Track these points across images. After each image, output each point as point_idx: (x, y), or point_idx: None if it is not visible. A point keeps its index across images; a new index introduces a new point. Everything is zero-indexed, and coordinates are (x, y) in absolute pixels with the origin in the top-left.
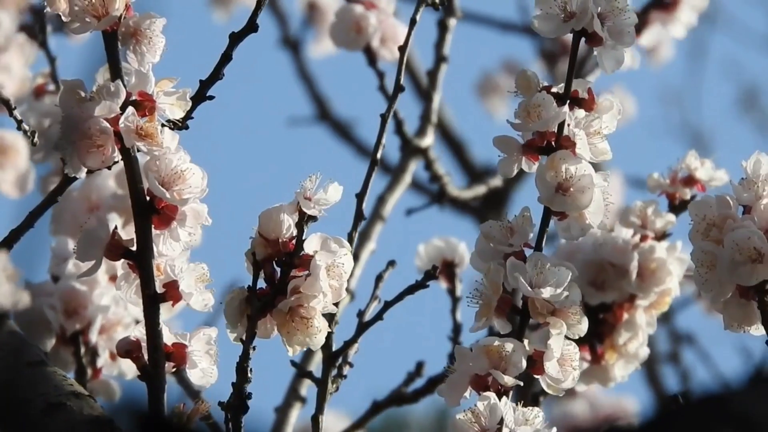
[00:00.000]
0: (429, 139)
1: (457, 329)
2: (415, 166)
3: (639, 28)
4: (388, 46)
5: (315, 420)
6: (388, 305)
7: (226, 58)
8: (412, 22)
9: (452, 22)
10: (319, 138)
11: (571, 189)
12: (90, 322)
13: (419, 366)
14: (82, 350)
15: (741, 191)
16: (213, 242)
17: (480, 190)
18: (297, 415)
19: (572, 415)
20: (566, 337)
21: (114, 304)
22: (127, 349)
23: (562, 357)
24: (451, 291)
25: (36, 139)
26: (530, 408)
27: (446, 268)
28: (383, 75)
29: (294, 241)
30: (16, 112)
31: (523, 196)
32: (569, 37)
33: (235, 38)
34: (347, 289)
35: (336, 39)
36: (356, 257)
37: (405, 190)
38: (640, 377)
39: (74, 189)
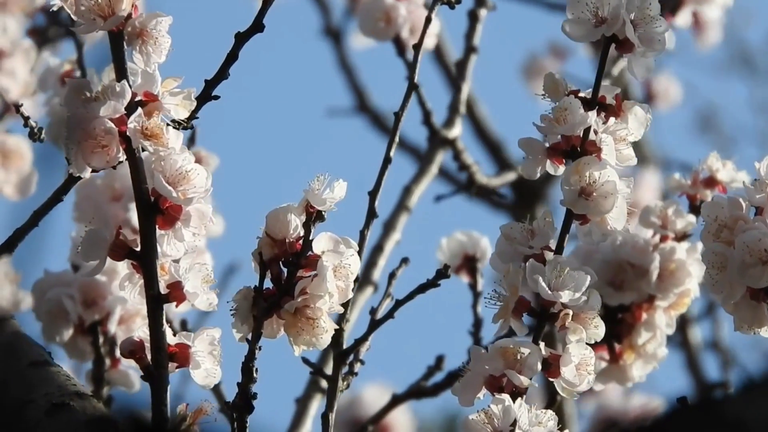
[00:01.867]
0: (457, 130)
1: (477, 324)
2: (442, 157)
3: (674, 9)
4: (416, 37)
5: (325, 418)
6: (399, 304)
7: (231, 57)
8: (428, 21)
9: (483, 13)
10: (357, 129)
11: (594, 194)
12: (109, 313)
13: (439, 360)
14: (101, 340)
15: (753, 192)
16: (250, 232)
17: (509, 176)
18: (317, 406)
19: (606, 408)
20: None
21: None
22: (130, 349)
23: (579, 362)
24: (473, 286)
25: (43, 135)
26: (543, 410)
27: (468, 263)
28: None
29: (301, 242)
30: (22, 109)
31: (558, 193)
32: None
33: (241, 38)
34: (370, 280)
35: (365, 29)
36: (381, 248)
37: (432, 181)
38: (680, 365)
39: (98, 177)
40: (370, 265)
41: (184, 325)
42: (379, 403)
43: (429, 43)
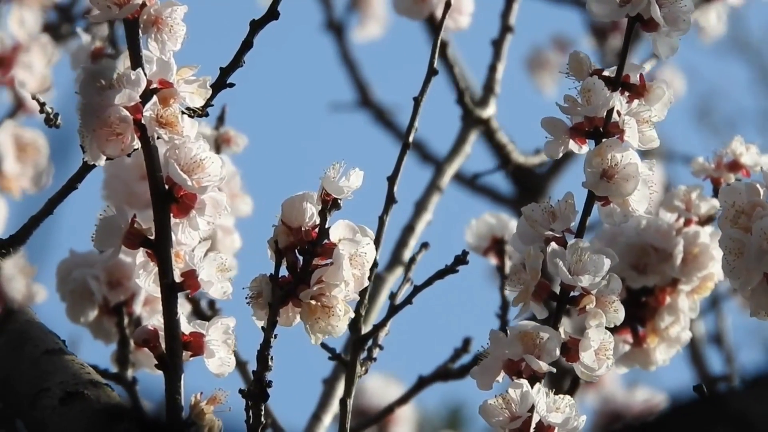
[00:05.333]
0: (491, 110)
1: (505, 306)
2: (475, 137)
3: None
4: (452, 16)
5: (343, 403)
6: (417, 289)
7: (246, 45)
8: (447, 5)
9: None
10: (360, 124)
11: (616, 176)
12: (134, 294)
13: (466, 342)
14: (126, 321)
15: None
16: (250, 228)
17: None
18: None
19: (610, 402)
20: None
21: None
22: (144, 338)
23: (598, 346)
24: (500, 268)
25: (59, 121)
26: (561, 396)
27: (496, 245)
28: (446, 45)
29: (317, 230)
30: (38, 95)
31: (560, 189)
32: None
33: (256, 25)
34: (401, 260)
35: (399, 8)
36: (412, 228)
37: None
38: (683, 359)
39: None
40: (401, 245)
41: (212, 306)
42: (384, 393)
43: (463, 22)
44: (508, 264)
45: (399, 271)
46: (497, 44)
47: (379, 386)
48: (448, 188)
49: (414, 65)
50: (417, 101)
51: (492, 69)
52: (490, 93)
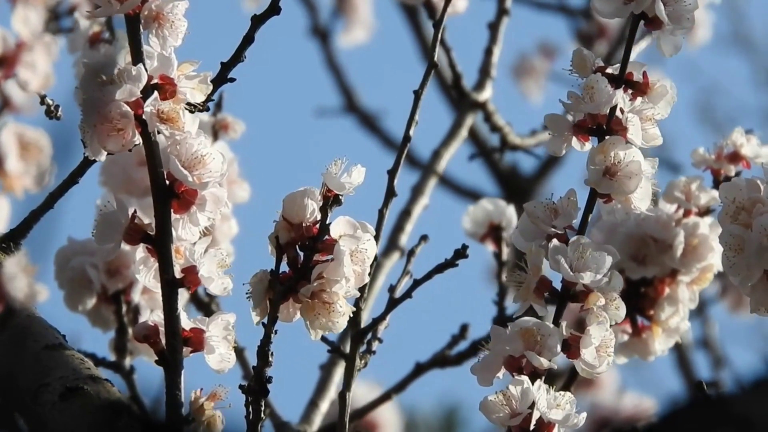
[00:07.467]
0: (487, 93)
1: (502, 293)
2: (471, 121)
3: None
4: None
5: (342, 396)
6: (417, 283)
7: (247, 40)
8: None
9: None
10: (346, 129)
11: (619, 174)
12: (132, 282)
13: (463, 329)
14: (124, 309)
15: None
16: (247, 214)
17: (543, 137)
18: (341, 373)
19: (598, 406)
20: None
21: None
22: (144, 333)
23: (599, 343)
24: (498, 255)
25: (59, 113)
26: (562, 393)
27: (493, 232)
28: (444, 29)
29: (317, 226)
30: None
31: (548, 192)
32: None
33: (257, 21)
34: (397, 245)
35: None
36: (408, 213)
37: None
38: (671, 363)
39: None
40: (397, 230)
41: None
42: (366, 399)
43: (460, 6)
44: (505, 251)
45: (395, 257)
46: (493, 27)
47: (362, 392)
48: (435, 192)
49: (400, 70)
50: (417, 94)
51: (488, 52)
52: (486, 76)
